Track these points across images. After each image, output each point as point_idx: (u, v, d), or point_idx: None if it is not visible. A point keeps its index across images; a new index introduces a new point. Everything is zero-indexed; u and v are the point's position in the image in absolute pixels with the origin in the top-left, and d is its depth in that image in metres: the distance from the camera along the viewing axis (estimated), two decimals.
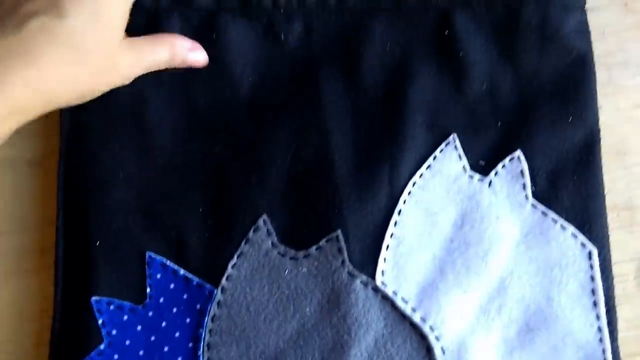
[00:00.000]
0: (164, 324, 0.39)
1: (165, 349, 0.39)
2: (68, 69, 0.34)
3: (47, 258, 0.41)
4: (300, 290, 0.39)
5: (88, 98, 0.37)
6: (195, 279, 0.40)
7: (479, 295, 0.40)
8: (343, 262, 0.39)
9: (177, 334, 0.39)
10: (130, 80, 0.38)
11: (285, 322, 0.39)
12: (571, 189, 0.41)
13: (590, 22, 0.44)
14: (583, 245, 0.40)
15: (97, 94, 0.37)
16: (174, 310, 0.39)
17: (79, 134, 0.41)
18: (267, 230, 0.40)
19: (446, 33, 0.41)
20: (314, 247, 0.40)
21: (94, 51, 0.35)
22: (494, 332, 0.40)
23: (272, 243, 0.40)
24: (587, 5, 0.44)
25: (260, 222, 0.40)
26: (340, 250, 0.39)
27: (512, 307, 0.40)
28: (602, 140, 0.42)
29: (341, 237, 0.39)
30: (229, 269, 0.40)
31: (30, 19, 0.33)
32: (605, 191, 0.42)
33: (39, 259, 0.42)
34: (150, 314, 0.39)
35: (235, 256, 0.40)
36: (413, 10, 0.42)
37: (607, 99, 0.44)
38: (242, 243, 0.40)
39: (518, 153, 0.41)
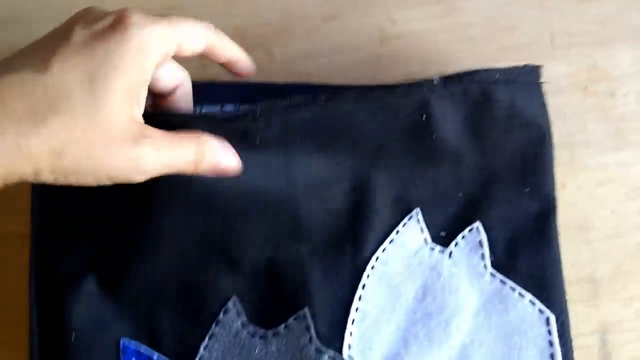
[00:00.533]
0: None
1: None
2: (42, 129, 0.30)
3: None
4: None
5: (73, 178, 0.32)
6: None
7: None
8: (311, 339, 0.41)
9: None
10: (144, 178, 0.34)
11: None
12: (528, 258, 0.42)
13: (553, 104, 0.46)
14: (541, 311, 0.42)
15: (91, 179, 0.32)
16: None
17: (49, 226, 0.42)
18: (237, 311, 0.41)
19: (423, 118, 0.42)
20: (282, 326, 0.41)
21: (84, 114, 0.30)
22: None
23: (241, 323, 0.41)
24: (550, 89, 0.46)
25: (230, 303, 0.41)
26: (307, 327, 0.41)
27: None
28: (565, 217, 0.44)
29: (308, 314, 0.41)
30: (201, 350, 0.41)
31: (5, 74, 0.31)
32: (569, 265, 0.44)
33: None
34: None
35: (207, 337, 0.41)
36: (395, 102, 0.42)
37: (570, 177, 0.46)
38: (213, 325, 0.41)
39: (477, 224, 0.43)
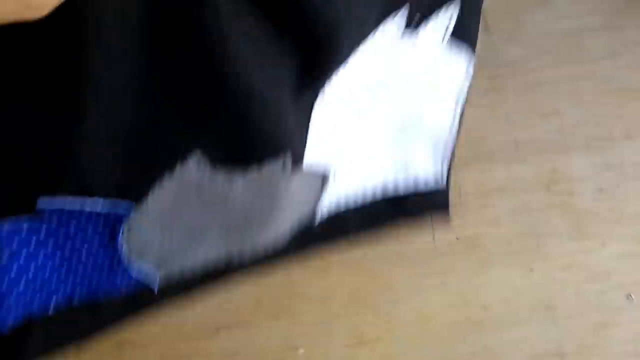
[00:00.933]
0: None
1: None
2: None
3: None
4: (232, 195, 0.37)
5: None
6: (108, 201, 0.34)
7: (393, 116, 0.47)
8: (285, 174, 0.38)
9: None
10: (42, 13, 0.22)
11: (214, 212, 0.37)
12: (464, 15, 0.44)
13: (520, 201, 0.54)
14: (467, 57, 0.46)
15: None
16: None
17: None
18: (198, 160, 0.35)
19: None
20: (254, 166, 0.36)
21: None
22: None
23: (202, 170, 0.36)
24: (516, 187, 0.55)
25: (192, 155, 0.35)
26: (284, 167, 0.37)
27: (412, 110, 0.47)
28: (533, 298, 0.51)
29: (289, 157, 0.37)
30: (152, 190, 0.35)
31: None
32: (539, 341, 0.49)
33: None
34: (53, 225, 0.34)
35: (157, 183, 0.35)
36: None
37: (536, 263, 0.53)
38: (165, 173, 0.35)
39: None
